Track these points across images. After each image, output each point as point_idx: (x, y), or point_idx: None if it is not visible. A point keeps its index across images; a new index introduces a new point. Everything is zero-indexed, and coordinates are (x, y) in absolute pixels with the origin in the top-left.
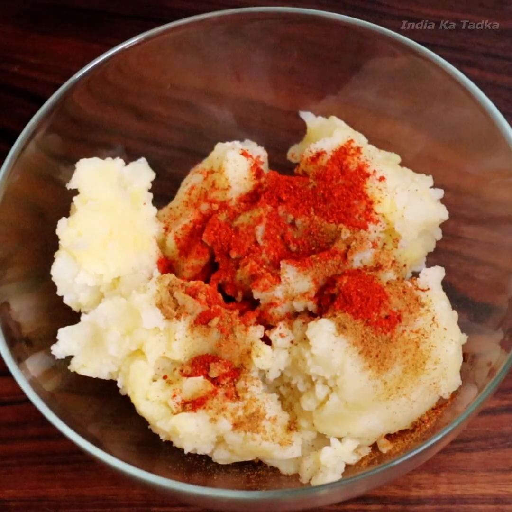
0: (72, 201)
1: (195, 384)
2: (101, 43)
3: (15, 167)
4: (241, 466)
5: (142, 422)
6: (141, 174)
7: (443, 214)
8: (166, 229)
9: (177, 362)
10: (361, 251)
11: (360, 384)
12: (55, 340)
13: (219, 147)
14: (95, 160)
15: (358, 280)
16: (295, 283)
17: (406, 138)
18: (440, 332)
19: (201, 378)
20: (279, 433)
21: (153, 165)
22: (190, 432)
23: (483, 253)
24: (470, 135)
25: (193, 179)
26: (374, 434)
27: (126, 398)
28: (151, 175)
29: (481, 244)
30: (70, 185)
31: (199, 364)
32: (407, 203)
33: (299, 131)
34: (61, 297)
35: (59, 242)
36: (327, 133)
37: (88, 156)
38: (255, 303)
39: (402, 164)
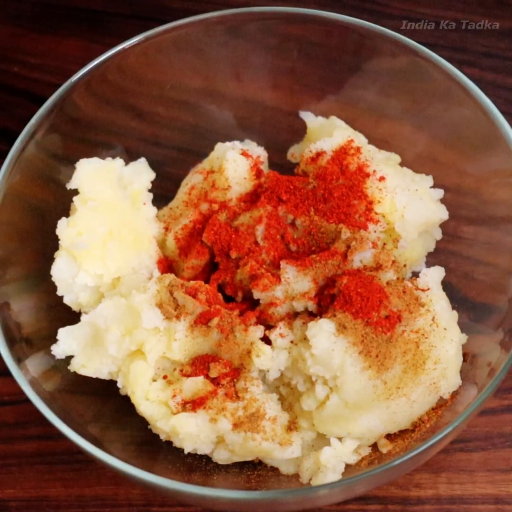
0: (72, 201)
1: (195, 384)
2: (101, 43)
3: (15, 167)
4: (241, 466)
5: (142, 422)
6: (141, 174)
7: (443, 214)
8: (166, 229)
9: (177, 362)
10: (361, 251)
11: (360, 384)
12: (55, 340)
13: (219, 147)
14: (95, 160)
15: (358, 280)
16: (295, 283)
17: (406, 138)
18: (440, 332)
19: (201, 378)
20: (279, 433)
21: (153, 165)
22: (190, 432)
23: (483, 253)
24: (470, 135)
25: (193, 179)
26: (374, 434)
27: (126, 398)
28: (151, 175)
29: (481, 244)
30: (70, 185)
31: (199, 364)
32: (407, 203)
33: (299, 131)
34: (61, 297)
35: (59, 242)
36: (327, 133)
37: (88, 156)
38: (255, 303)
39: (402, 164)
